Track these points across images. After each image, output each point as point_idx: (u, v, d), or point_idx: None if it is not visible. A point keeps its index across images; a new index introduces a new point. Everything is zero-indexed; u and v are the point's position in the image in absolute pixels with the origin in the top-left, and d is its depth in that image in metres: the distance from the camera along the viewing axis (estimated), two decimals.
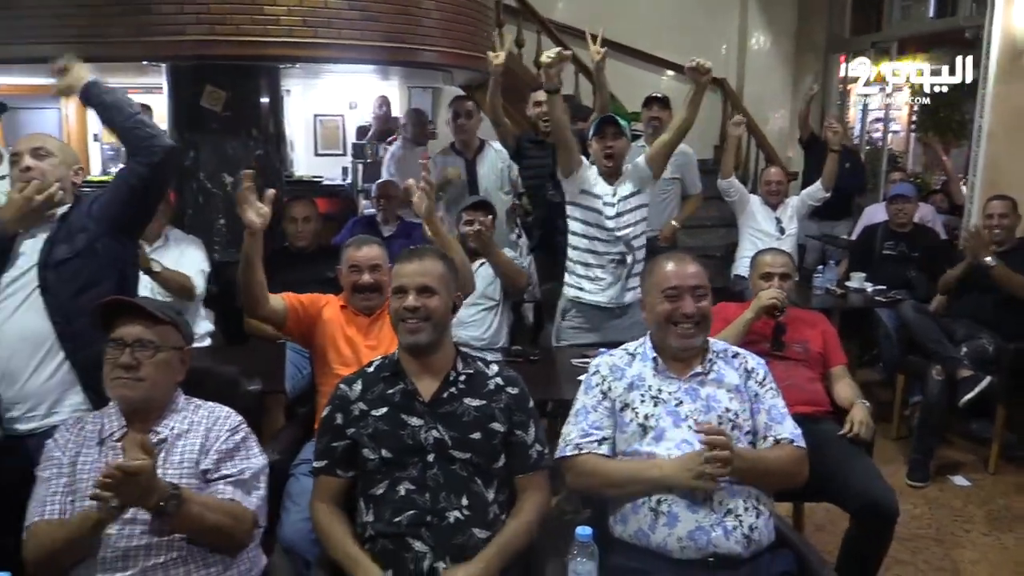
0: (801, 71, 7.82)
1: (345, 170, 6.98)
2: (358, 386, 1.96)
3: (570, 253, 3.52)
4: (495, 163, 4.55)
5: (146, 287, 3.13)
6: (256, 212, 2.37)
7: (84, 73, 2.32)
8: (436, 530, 1.79)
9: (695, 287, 2.02)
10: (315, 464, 1.95)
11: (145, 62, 3.84)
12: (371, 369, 2.00)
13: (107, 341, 1.83)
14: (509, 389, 1.97)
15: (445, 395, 1.92)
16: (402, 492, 1.83)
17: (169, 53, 3.57)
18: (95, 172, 7.95)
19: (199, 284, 3.53)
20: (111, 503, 1.55)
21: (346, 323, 2.71)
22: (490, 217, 3.58)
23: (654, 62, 7.49)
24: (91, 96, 2.31)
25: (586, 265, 3.46)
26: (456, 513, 1.81)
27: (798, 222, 4.99)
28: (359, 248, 2.79)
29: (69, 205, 2.30)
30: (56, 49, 2.50)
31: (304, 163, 8.11)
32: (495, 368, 2.02)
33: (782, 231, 4.90)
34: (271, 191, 2.40)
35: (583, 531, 1.66)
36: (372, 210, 4.90)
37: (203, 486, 1.77)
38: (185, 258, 3.54)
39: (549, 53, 3.21)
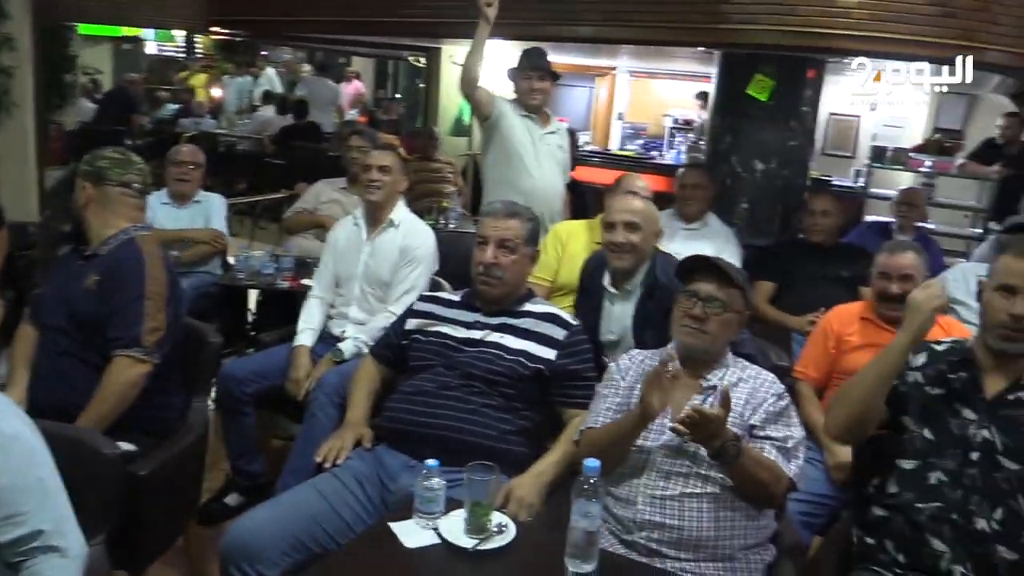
0: None
1: (858, 173, 6.74)
2: (921, 358, 1.91)
3: None
4: None
5: None
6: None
7: None
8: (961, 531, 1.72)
9: None
10: None
11: (704, 49, 4.13)
12: (940, 348, 1.93)
13: (681, 291, 2.05)
14: None
15: (1011, 397, 1.79)
16: (932, 481, 1.77)
17: (740, 41, 3.79)
18: (614, 147, 8.83)
19: None
20: (685, 439, 1.75)
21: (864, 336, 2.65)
22: None
23: None
24: None
25: None
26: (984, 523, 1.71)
27: None
28: (892, 254, 2.69)
29: None
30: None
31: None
32: None
33: None
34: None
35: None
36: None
37: (747, 439, 1.89)
38: None
39: None
